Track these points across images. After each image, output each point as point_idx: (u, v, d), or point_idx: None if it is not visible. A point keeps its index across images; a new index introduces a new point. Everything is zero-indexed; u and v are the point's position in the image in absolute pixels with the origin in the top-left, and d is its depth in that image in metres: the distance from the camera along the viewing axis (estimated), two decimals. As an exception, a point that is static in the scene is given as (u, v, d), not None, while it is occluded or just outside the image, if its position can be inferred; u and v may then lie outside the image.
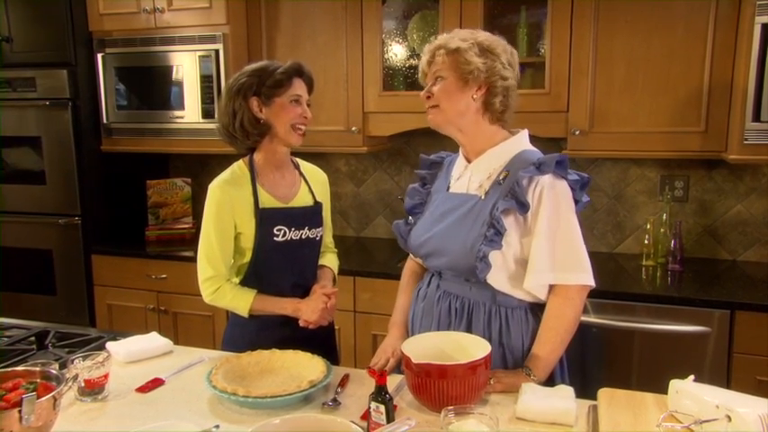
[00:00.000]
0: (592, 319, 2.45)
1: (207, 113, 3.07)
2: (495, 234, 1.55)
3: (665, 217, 2.83)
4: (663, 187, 2.92)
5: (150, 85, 3.17)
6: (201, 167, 3.68)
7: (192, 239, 3.41)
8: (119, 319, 3.19)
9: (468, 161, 1.70)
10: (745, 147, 2.41)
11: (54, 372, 1.32)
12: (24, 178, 3.26)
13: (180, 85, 3.10)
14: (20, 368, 1.34)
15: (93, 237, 3.26)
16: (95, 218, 3.27)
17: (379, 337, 2.81)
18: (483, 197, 1.62)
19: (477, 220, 1.59)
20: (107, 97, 3.22)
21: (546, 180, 1.56)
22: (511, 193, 1.57)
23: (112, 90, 3.21)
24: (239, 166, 1.88)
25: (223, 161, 3.57)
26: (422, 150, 3.24)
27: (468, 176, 1.68)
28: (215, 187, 1.84)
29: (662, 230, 2.82)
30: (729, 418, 1.15)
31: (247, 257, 1.85)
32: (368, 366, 1.71)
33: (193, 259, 3.13)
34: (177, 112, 3.14)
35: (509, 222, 1.57)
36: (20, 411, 1.16)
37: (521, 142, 1.67)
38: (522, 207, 1.55)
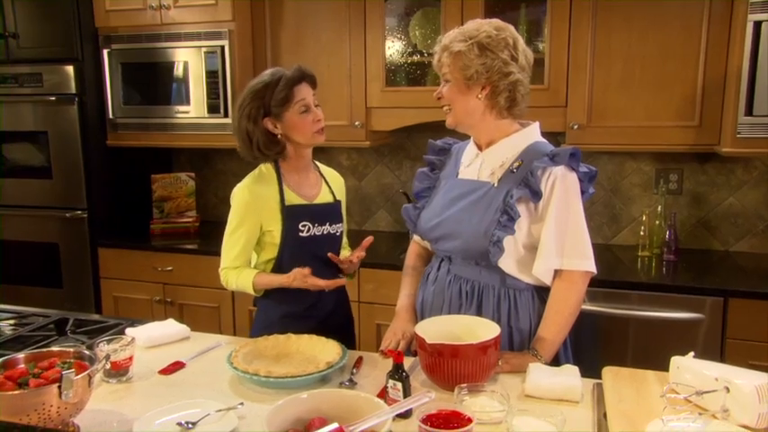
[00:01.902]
0: (590, 307, 2.52)
1: (212, 109, 3.12)
2: (509, 220, 1.62)
3: (660, 209, 2.91)
4: (658, 180, 3.01)
5: (156, 81, 3.22)
6: (205, 162, 3.73)
7: (196, 233, 3.47)
8: (125, 311, 3.24)
9: (480, 149, 1.77)
10: (738, 140, 2.50)
11: (87, 352, 1.38)
12: (31, 173, 3.31)
13: (185, 80, 3.16)
14: (55, 348, 1.40)
15: (99, 230, 3.31)
16: (101, 211, 3.32)
17: (383, 326, 2.88)
18: (496, 184, 1.69)
19: (491, 206, 1.66)
20: (113, 93, 3.27)
21: (558, 171, 1.64)
22: (525, 181, 1.64)
23: (118, 85, 3.25)
24: (266, 166, 1.94)
25: (226, 156, 3.67)
26: (422, 145, 3.33)
27: (480, 164, 1.75)
28: (244, 188, 1.90)
29: (657, 222, 2.91)
30: (728, 390, 1.22)
31: (274, 253, 1.90)
32: (380, 349, 1.78)
33: (199, 252, 3.22)
34: (182, 108, 3.19)
35: (521, 209, 1.64)
36: (59, 387, 1.22)
37: (533, 134, 1.74)
38: (536, 195, 1.63)
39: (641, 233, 2.94)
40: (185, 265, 3.15)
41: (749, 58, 2.42)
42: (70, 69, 3.17)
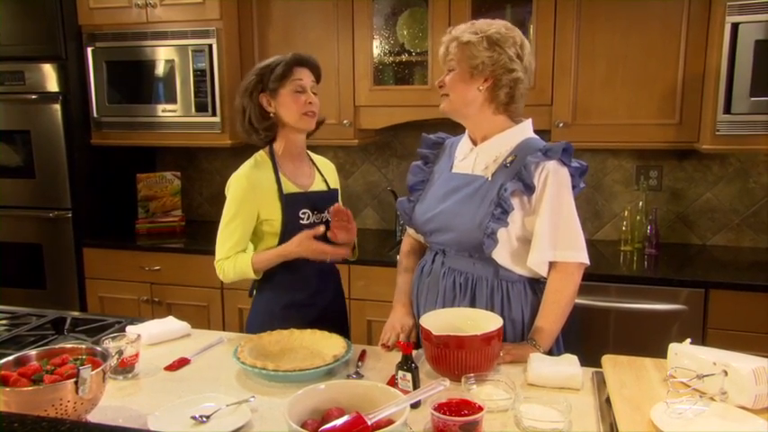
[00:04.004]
0: (576, 300, 2.59)
1: (200, 107, 3.11)
2: (503, 212, 1.67)
3: (641, 205, 3.01)
4: (638, 177, 3.10)
5: (141, 79, 3.20)
6: (189, 161, 3.71)
7: (182, 232, 3.45)
8: (111, 311, 3.20)
9: (474, 144, 1.82)
10: (717, 137, 2.59)
11: (99, 348, 1.39)
12: (13, 172, 3.26)
13: (172, 79, 3.14)
14: (67, 345, 1.40)
15: (83, 230, 3.27)
16: (86, 211, 3.29)
17: (374, 322, 2.92)
18: (490, 178, 1.74)
19: (485, 200, 1.71)
20: (97, 91, 3.24)
21: (551, 166, 1.69)
22: (518, 175, 1.69)
23: (103, 84, 3.22)
24: (261, 156, 1.96)
25: (211, 155, 3.66)
26: (409, 143, 3.38)
27: (474, 158, 1.80)
28: (241, 176, 1.91)
29: (638, 218, 3.00)
30: (726, 373, 1.29)
31: (272, 243, 1.91)
32: (381, 343, 1.81)
33: (186, 250, 3.21)
34: (169, 106, 3.18)
35: (514, 203, 1.69)
36: (75, 383, 1.23)
37: (526, 130, 1.80)
38: (529, 189, 1.68)
39: (623, 228, 3.02)
40: (173, 265, 3.14)
41: (727, 58, 2.52)
42: (53, 67, 3.14)
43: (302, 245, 1.84)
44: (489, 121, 1.78)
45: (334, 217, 1.91)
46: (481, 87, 1.72)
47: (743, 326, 2.47)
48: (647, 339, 2.57)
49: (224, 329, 3.06)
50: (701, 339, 2.54)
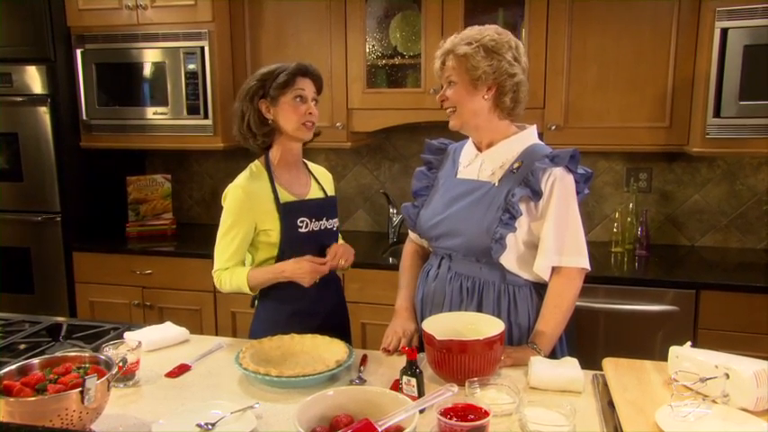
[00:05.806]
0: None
1: (192, 110, 3.09)
2: (511, 218, 1.69)
3: (631, 206, 3.04)
4: (628, 179, 3.14)
5: (132, 82, 3.17)
6: (179, 163, 3.69)
7: (173, 235, 3.43)
8: (102, 316, 3.17)
9: (480, 150, 1.83)
10: (706, 140, 2.63)
11: (103, 357, 1.37)
12: (0, 175, 3.21)
13: (163, 81, 3.11)
14: (70, 353, 1.38)
15: (73, 233, 3.23)
16: (75, 214, 3.25)
17: (368, 325, 2.92)
18: (497, 184, 1.75)
19: (493, 205, 1.72)
20: (87, 93, 3.21)
21: (558, 172, 1.71)
22: (525, 181, 1.70)
23: (92, 86, 3.19)
24: (256, 165, 1.95)
25: (201, 157, 3.64)
26: (401, 146, 3.38)
27: (480, 164, 1.81)
28: (237, 187, 1.90)
29: (629, 219, 3.03)
30: (727, 376, 1.31)
31: (272, 252, 1.91)
32: (382, 347, 1.82)
33: (178, 254, 3.19)
34: (160, 109, 3.15)
35: (522, 208, 1.71)
36: (81, 392, 1.22)
37: (531, 136, 1.81)
38: (536, 195, 1.69)
39: (614, 230, 3.05)
40: (164, 268, 3.11)
41: (717, 63, 2.55)
42: (41, 69, 3.10)
43: (300, 262, 1.85)
44: (496, 127, 1.79)
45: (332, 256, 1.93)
46: (486, 96, 1.73)
47: (733, 326, 2.51)
48: (638, 340, 2.60)
49: (217, 333, 3.05)
50: (693, 340, 2.56)
